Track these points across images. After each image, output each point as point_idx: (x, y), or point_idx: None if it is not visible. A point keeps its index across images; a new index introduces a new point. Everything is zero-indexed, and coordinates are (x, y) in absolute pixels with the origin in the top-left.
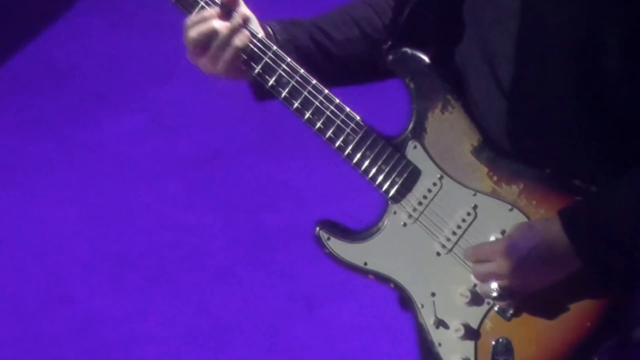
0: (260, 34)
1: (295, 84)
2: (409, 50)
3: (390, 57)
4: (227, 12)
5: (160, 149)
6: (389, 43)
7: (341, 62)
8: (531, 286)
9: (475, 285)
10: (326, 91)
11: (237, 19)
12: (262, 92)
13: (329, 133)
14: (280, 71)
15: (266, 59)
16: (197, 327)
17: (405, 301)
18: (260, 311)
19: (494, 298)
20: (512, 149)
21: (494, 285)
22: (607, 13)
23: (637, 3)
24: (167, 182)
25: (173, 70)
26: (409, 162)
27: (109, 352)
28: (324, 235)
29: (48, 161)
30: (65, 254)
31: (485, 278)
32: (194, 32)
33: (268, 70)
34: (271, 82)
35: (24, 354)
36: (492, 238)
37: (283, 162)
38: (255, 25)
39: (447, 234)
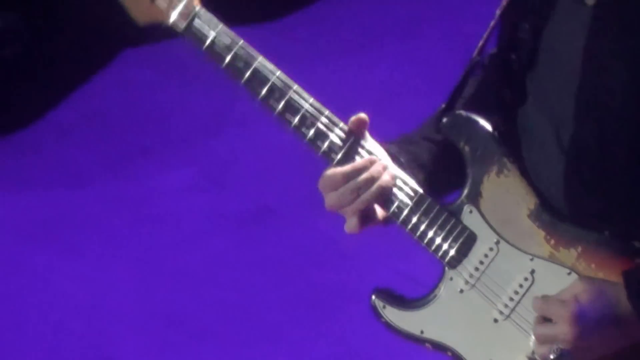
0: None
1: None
2: (463, 113)
3: (445, 120)
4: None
5: (208, 204)
6: (443, 106)
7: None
8: (592, 355)
9: (534, 352)
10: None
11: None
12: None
13: (387, 204)
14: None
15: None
16: None
17: None
18: None
19: None
20: (571, 211)
21: (555, 347)
22: None
23: None
24: (216, 239)
25: (222, 124)
26: (465, 227)
27: None
28: (379, 303)
29: (93, 216)
30: (110, 312)
31: (545, 340)
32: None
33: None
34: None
35: None
36: None
37: (334, 218)
38: (378, 150)
39: (505, 300)
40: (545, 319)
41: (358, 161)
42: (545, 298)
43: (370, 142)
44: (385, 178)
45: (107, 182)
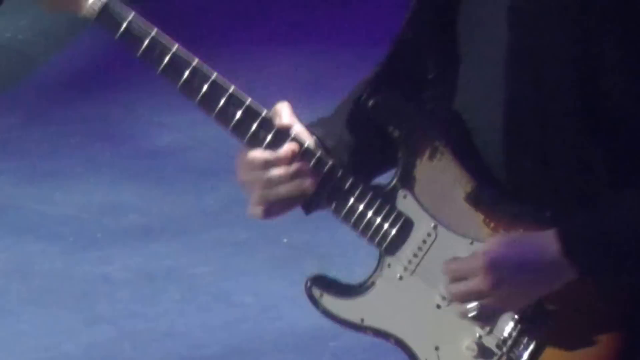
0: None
1: None
2: (390, 97)
3: (371, 104)
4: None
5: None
6: (369, 90)
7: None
8: (518, 301)
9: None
10: (318, 153)
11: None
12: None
13: (319, 193)
14: None
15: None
16: None
17: (409, 357)
18: None
19: (473, 317)
20: (510, 186)
21: (473, 304)
22: (603, 30)
23: (634, 18)
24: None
25: None
26: (400, 213)
27: None
28: (316, 292)
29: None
30: None
31: (464, 299)
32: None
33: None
34: None
35: None
36: None
37: None
38: (305, 136)
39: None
40: (457, 279)
41: (281, 152)
42: (454, 258)
43: (296, 128)
44: (306, 182)
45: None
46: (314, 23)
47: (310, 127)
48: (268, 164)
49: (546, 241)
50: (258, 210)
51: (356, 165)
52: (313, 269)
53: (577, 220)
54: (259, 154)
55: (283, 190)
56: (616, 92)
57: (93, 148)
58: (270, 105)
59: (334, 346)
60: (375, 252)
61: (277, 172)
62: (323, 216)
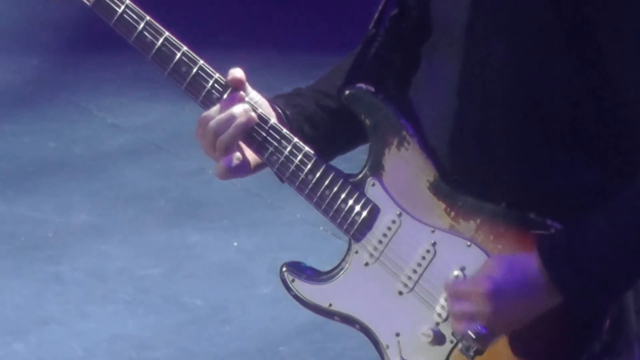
0: (273, 119)
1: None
2: (363, 86)
3: (346, 93)
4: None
5: None
6: (344, 79)
7: (351, 122)
8: (510, 326)
9: (437, 324)
10: (284, 130)
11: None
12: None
13: (288, 174)
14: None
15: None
16: None
17: (373, 343)
18: None
19: (471, 340)
20: (467, 183)
21: (472, 326)
22: (550, 41)
23: (579, 29)
24: None
25: None
26: (368, 200)
27: None
28: (289, 277)
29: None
30: None
31: (462, 319)
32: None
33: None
34: None
35: None
36: (455, 273)
37: None
38: (265, 107)
39: (408, 272)
40: (459, 299)
41: (232, 109)
42: (456, 280)
43: (253, 95)
44: (249, 116)
45: None
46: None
47: (274, 99)
48: (209, 117)
49: (536, 268)
50: (219, 169)
51: (317, 138)
52: (262, 273)
53: (560, 246)
54: (206, 113)
55: (231, 132)
56: (561, 103)
57: (46, 148)
58: None
59: (283, 350)
60: (324, 254)
61: (217, 120)
62: (273, 221)
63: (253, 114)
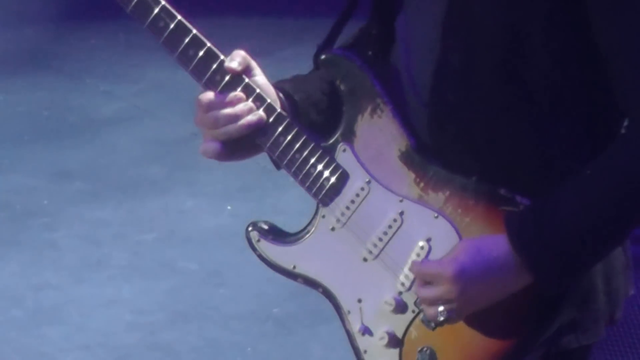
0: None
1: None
2: (340, 51)
3: (322, 57)
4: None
5: None
6: (322, 44)
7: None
8: (479, 306)
9: (400, 293)
10: (269, 100)
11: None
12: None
13: (260, 135)
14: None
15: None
16: None
17: (335, 307)
18: None
19: (441, 322)
20: (439, 154)
21: (441, 309)
22: (530, 9)
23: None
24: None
25: None
26: (338, 166)
27: None
28: (254, 236)
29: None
30: None
31: (431, 302)
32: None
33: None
34: None
35: None
36: (420, 244)
37: None
38: (267, 89)
39: (374, 240)
40: (426, 282)
41: (229, 95)
42: (423, 262)
43: (258, 78)
44: (249, 118)
45: None
46: None
47: (281, 83)
48: (211, 106)
49: (504, 250)
50: (209, 148)
51: (322, 123)
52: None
53: (529, 227)
54: (207, 95)
55: (232, 129)
56: (540, 70)
57: (40, 116)
58: None
59: (277, 312)
60: None
61: (222, 112)
62: (266, 185)
63: (262, 115)
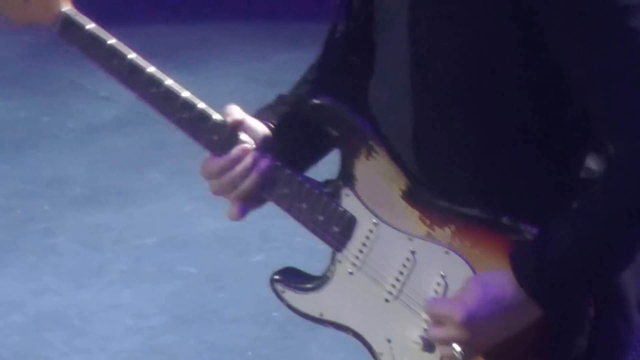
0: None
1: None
2: (327, 98)
3: (312, 104)
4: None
5: None
6: (310, 89)
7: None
8: (496, 341)
9: (425, 330)
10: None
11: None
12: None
13: (265, 191)
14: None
15: None
16: None
17: (367, 349)
18: None
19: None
20: (434, 186)
21: (457, 348)
22: (500, 36)
23: (530, 24)
24: None
25: None
26: (344, 211)
27: None
28: (279, 288)
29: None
30: None
31: (444, 342)
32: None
33: None
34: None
35: None
36: (437, 281)
37: None
38: (260, 128)
39: (392, 280)
40: (438, 322)
41: (232, 152)
42: (434, 301)
43: (249, 122)
44: (262, 166)
45: None
46: None
47: (258, 113)
48: (225, 168)
49: (511, 286)
50: (238, 211)
51: (289, 156)
52: (255, 241)
53: (531, 261)
54: (215, 162)
55: (245, 185)
56: (514, 97)
57: (40, 122)
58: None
59: (277, 316)
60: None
61: (233, 173)
62: None
63: (269, 160)
